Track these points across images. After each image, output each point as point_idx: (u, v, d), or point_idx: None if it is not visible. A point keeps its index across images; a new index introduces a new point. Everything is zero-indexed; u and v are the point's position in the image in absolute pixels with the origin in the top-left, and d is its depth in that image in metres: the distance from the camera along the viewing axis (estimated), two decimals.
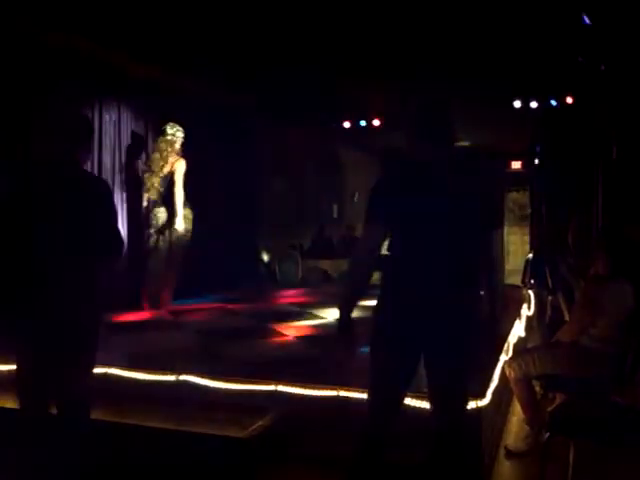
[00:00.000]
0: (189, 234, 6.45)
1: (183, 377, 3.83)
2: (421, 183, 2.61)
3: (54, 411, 3.08)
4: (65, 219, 2.96)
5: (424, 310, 2.56)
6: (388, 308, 2.64)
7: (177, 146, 6.42)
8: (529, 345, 5.69)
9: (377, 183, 2.70)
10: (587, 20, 5.10)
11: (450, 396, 2.69)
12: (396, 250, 2.64)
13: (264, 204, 9.35)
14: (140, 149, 7.06)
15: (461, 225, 2.57)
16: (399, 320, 2.60)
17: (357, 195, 11.72)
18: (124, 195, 6.78)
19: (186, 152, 6.55)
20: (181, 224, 6.27)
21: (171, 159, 6.35)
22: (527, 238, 11.27)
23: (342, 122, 9.39)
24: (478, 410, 3.28)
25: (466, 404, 2.78)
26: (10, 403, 3.72)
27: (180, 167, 6.28)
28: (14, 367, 3.99)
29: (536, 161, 9.00)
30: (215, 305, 6.90)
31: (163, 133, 6.44)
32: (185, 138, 6.54)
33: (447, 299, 2.56)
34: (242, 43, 6.22)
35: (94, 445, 3.05)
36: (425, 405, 3.28)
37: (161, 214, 6.38)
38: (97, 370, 3.33)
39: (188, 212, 6.41)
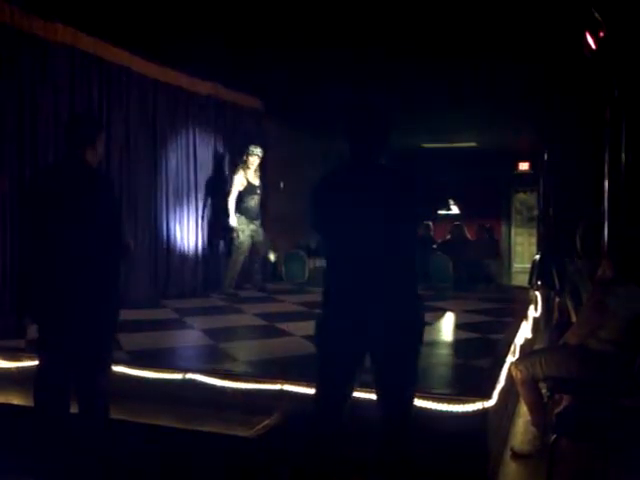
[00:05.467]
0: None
1: (189, 376, 3.84)
2: (350, 185, 2.74)
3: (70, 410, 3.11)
4: (76, 219, 2.99)
5: (360, 306, 2.65)
6: (329, 305, 2.75)
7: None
8: (536, 347, 5.68)
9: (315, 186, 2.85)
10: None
11: (395, 391, 2.74)
12: (332, 249, 2.79)
13: (271, 203, 9.37)
14: None
15: (386, 224, 2.67)
16: (339, 317, 2.70)
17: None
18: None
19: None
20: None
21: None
22: (534, 239, 11.25)
23: None
24: (484, 411, 3.27)
25: (411, 400, 2.80)
26: (17, 400, 3.75)
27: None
28: (23, 364, 4.07)
29: (544, 162, 8.98)
30: (222, 304, 6.91)
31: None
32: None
33: (382, 294, 2.65)
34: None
35: (110, 443, 3.08)
36: (428, 405, 3.30)
37: None
38: None
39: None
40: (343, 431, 2.75)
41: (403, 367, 2.71)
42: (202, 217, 7.87)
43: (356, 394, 2.88)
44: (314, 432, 2.75)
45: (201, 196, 7.88)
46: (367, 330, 2.65)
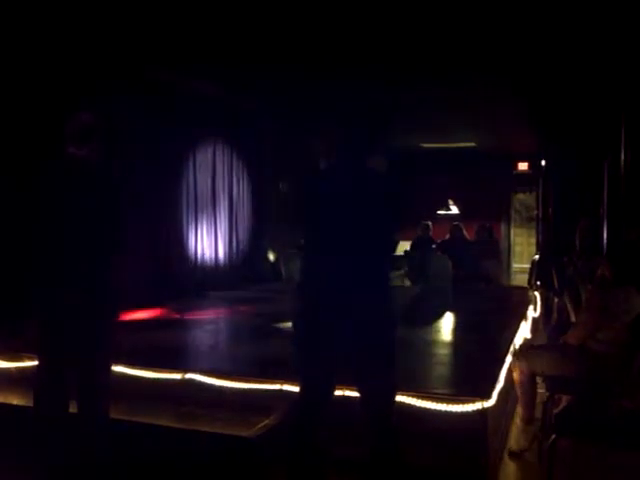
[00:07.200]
0: None
1: (189, 375, 3.84)
2: (329, 190, 2.69)
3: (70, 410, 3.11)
4: (78, 218, 2.99)
5: (333, 304, 2.63)
6: (303, 305, 2.74)
7: None
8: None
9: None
10: None
11: (373, 390, 2.71)
12: (307, 246, 2.79)
13: (271, 203, 9.40)
14: None
15: (363, 223, 2.63)
16: (313, 317, 2.69)
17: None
18: None
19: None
20: None
21: None
22: (533, 239, 11.25)
23: None
24: (484, 411, 3.28)
25: (392, 398, 2.76)
26: (17, 400, 3.75)
27: None
28: (23, 364, 4.07)
29: (543, 162, 8.99)
30: (221, 304, 6.92)
31: None
32: None
33: (353, 294, 2.62)
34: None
35: (110, 443, 3.08)
36: (428, 405, 3.30)
37: None
38: None
39: None
40: (325, 430, 2.73)
41: (379, 366, 2.68)
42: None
43: (350, 393, 2.87)
44: (296, 430, 2.75)
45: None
46: (340, 331, 2.63)
